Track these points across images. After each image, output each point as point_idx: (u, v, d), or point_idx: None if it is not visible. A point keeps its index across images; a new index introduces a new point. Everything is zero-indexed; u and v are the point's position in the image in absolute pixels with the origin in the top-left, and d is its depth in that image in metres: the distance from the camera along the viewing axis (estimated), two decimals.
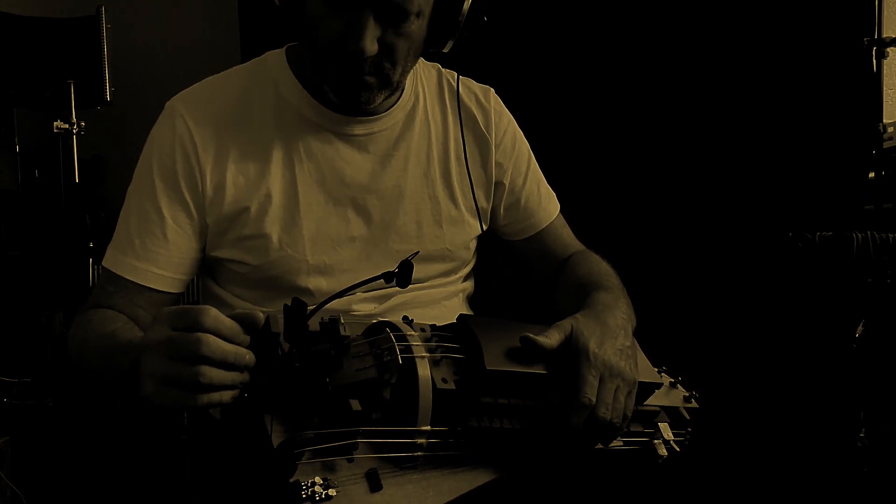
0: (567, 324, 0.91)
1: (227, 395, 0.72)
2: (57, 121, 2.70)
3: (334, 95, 1.01)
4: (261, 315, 0.73)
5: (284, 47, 1.12)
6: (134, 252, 1.03)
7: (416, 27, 0.97)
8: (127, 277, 1.03)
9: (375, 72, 0.98)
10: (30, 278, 2.77)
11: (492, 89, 1.22)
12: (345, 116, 1.07)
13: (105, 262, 1.06)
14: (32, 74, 2.73)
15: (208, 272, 1.12)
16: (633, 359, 0.93)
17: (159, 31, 3.43)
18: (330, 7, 0.93)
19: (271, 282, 1.06)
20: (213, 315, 0.71)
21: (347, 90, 1.00)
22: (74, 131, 2.72)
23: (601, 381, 0.87)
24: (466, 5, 0.99)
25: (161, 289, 1.04)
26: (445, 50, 1.04)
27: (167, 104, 1.07)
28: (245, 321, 0.73)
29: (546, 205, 1.25)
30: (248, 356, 0.72)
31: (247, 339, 0.73)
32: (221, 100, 1.07)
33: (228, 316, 0.73)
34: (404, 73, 1.02)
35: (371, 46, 0.93)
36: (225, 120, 1.05)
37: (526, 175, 1.22)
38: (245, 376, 0.73)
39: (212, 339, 0.70)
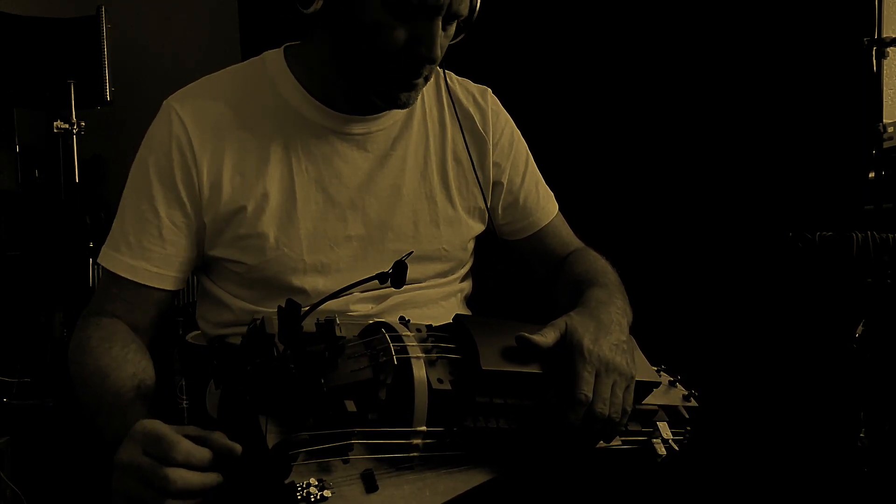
0: (561, 322, 0.92)
1: None
2: (57, 121, 2.71)
3: (381, 99, 1.02)
4: (238, 447, 0.77)
5: (282, 47, 1.11)
6: (129, 250, 1.04)
7: (455, 27, 1.01)
8: (123, 276, 1.04)
9: (427, 73, 1.01)
10: (30, 278, 2.77)
11: (489, 89, 1.22)
12: (344, 116, 1.07)
13: (101, 260, 1.06)
14: (32, 74, 2.73)
15: (205, 271, 1.12)
16: (629, 353, 0.93)
17: (159, 31, 3.43)
18: (396, 16, 0.94)
19: (268, 281, 1.06)
20: (184, 450, 0.75)
21: (398, 93, 1.01)
22: (74, 131, 2.73)
23: (597, 376, 0.87)
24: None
25: (158, 286, 1.05)
26: (455, 41, 1.06)
27: (164, 103, 1.07)
28: (220, 449, 0.77)
29: (545, 204, 1.25)
30: (215, 481, 0.77)
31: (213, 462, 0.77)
32: (219, 98, 1.06)
33: (204, 439, 0.77)
34: None
35: (440, 53, 0.97)
36: (222, 119, 1.05)
37: (524, 174, 1.22)
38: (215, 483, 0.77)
39: (181, 475, 0.74)
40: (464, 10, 0.97)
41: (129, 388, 0.94)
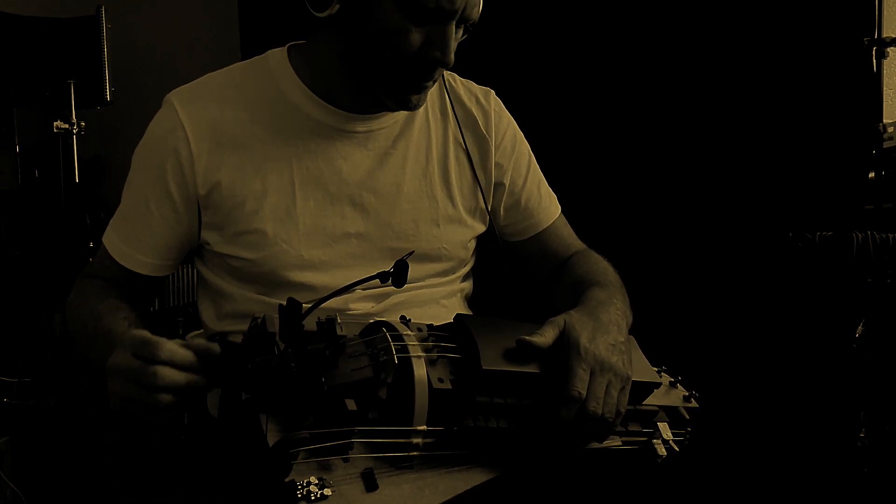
0: (560, 319, 0.92)
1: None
2: (57, 121, 2.71)
3: (393, 101, 1.03)
4: (216, 346, 0.82)
5: (286, 46, 1.12)
6: (123, 236, 1.10)
7: (463, 30, 1.02)
8: (116, 259, 1.10)
9: (437, 76, 1.02)
10: (30, 278, 2.77)
11: (492, 91, 1.22)
12: (346, 114, 1.07)
13: (103, 238, 1.13)
14: (32, 74, 2.73)
15: (205, 265, 1.13)
16: (626, 354, 0.93)
17: (159, 31, 3.43)
18: (412, 20, 0.95)
19: (267, 276, 1.06)
20: (168, 349, 0.81)
21: (409, 95, 1.02)
22: (74, 131, 2.73)
23: (592, 374, 0.87)
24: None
25: (145, 273, 1.10)
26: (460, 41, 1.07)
27: (165, 98, 1.08)
28: (199, 350, 0.82)
29: (547, 205, 1.25)
30: (198, 380, 0.82)
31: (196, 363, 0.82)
32: (220, 95, 1.07)
33: (186, 344, 0.83)
34: None
35: (453, 57, 0.99)
36: (222, 115, 1.05)
37: (526, 176, 1.22)
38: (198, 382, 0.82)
39: (166, 371, 0.80)
40: (475, 14, 0.98)
41: (120, 324, 1.00)
